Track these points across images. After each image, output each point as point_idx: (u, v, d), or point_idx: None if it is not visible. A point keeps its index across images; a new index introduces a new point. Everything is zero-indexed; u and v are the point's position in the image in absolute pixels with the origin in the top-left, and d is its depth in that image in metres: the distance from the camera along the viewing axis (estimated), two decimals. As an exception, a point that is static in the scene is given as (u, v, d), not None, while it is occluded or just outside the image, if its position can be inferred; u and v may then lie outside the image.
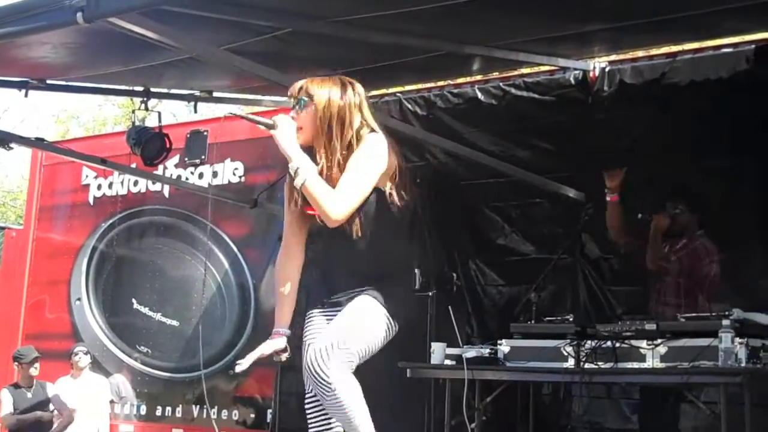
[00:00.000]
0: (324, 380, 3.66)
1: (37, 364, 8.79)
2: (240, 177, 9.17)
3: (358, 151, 3.86)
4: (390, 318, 3.89)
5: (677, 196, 6.27)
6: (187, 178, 9.43)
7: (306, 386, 3.87)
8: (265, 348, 3.95)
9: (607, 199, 6.49)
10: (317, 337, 3.84)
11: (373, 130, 3.94)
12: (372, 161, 3.86)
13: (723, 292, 6.14)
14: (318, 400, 3.83)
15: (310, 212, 3.94)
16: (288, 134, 3.85)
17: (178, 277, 9.44)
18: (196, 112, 8.51)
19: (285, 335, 3.96)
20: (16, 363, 9.11)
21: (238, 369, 3.92)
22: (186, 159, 9.35)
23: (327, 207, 3.77)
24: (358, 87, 3.99)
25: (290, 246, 4.07)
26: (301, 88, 3.93)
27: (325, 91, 3.91)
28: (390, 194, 3.93)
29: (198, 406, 8.97)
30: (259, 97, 8.15)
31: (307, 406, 3.94)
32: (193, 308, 9.26)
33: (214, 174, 9.31)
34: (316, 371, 3.67)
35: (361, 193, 3.82)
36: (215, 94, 7.88)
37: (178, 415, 9.12)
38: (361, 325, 3.82)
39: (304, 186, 3.77)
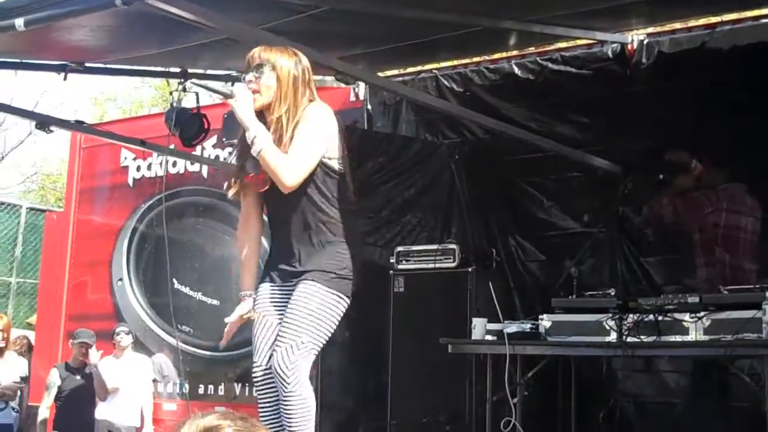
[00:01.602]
0: (286, 381, 3.93)
1: (85, 350, 8.82)
2: (277, 156, 9.17)
3: (305, 122, 4.02)
4: (340, 295, 4.07)
5: (698, 151, 6.24)
6: (225, 158, 9.45)
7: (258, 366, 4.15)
8: (233, 317, 4.24)
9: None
10: (281, 335, 4.00)
11: (313, 100, 4.13)
12: (319, 131, 4.05)
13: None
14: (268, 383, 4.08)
15: (249, 181, 4.12)
16: (245, 104, 4.00)
17: (217, 257, 9.50)
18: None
19: (249, 298, 4.21)
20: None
21: (221, 346, 4.36)
22: (224, 139, 9.34)
23: (281, 174, 3.95)
24: (304, 57, 4.18)
25: (248, 216, 4.31)
26: (260, 56, 4.07)
27: (286, 61, 4.09)
28: (331, 161, 4.12)
29: (240, 384, 9.04)
30: (296, 76, 8.14)
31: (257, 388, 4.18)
32: (233, 287, 9.27)
33: (252, 154, 9.32)
34: (279, 373, 3.95)
35: (311, 161, 4.01)
36: (252, 74, 7.87)
37: (221, 393, 9.20)
38: (314, 319, 4.01)
39: (261, 154, 3.93)
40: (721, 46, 6.63)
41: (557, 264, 7.31)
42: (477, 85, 7.76)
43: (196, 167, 9.76)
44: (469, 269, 6.90)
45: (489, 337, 6.11)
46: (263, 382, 4.16)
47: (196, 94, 8.08)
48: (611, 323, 5.61)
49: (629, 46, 7.13)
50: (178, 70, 7.59)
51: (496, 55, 7.78)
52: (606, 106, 7.16)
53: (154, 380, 9.43)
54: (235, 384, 9.09)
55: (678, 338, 5.41)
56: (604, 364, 6.67)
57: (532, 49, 7.63)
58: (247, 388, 8.97)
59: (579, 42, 7.36)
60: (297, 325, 3.98)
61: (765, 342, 5.02)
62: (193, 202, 9.81)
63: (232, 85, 4.19)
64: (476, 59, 7.89)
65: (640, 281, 7.02)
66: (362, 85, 8.12)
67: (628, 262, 7.11)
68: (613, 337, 5.61)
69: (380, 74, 7.44)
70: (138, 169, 10.21)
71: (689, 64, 6.78)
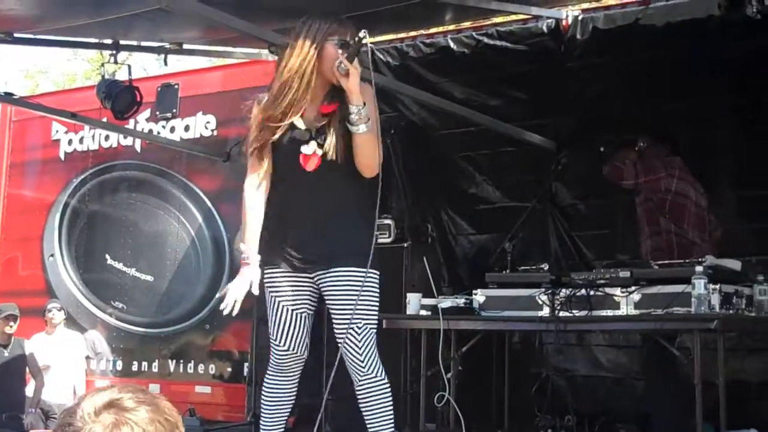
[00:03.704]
0: (361, 366, 3.95)
1: (12, 323, 8.70)
2: (212, 130, 9.10)
3: (375, 107, 3.96)
4: (374, 272, 4.02)
5: (642, 130, 6.26)
6: (158, 132, 9.35)
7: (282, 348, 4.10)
8: (244, 285, 3.98)
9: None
10: (341, 323, 3.96)
11: None
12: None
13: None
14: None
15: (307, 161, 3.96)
16: (358, 75, 3.86)
17: (151, 232, 9.39)
18: (166, 64, 8.42)
19: (255, 263, 4.01)
20: None
21: (227, 310, 4.00)
22: (157, 113, 9.26)
23: (376, 159, 3.90)
24: None
25: (260, 179, 4.08)
26: (360, 39, 3.89)
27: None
28: None
29: (174, 361, 8.97)
30: (230, 49, 8.07)
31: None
32: (167, 263, 9.22)
33: (186, 128, 9.23)
34: (353, 359, 3.95)
35: None
36: (185, 47, 7.78)
37: (155, 370, 9.12)
38: (374, 303, 4.03)
39: (366, 133, 3.84)
40: (655, 22, 6.66)
41: (489, 238, 7.35)
42: (412, 58, 7.73)
43: (129, 141, 9.63)
44: (405, 245, 6.90)
45: (423, 312, 6.11)
46: (286, 363, 4.17)
47: (129, 66, 7.98)
48: (544, 298, 5.65)
49: (564, 22, 7.14)
50: (110, 41, 7.46)
51: (433, 30, 7.75)
52: (540, 82, 7.17)
53: (87, 357, 9.33)
54: (170, 361, 9.01)
55: (609, 312, 5.46)
56: (536, 338, 6.72)
57: (468, 24, 7.62)
58: (181, 365, 8.91)
59: (514, 17, 7.35)
60: (366, 315, 3.97)
61: (694, 316, 5.08)
62: (127, 176, 9.68)
63: (342, 46, 3.89)
64: (412, 33, 7.86)
65: (572, 256, 7.07)
66: (297, 58, 8.05)
67: (560, 237, 7.16)
68: (545, 311, 5.64)
69: (316, 48, 7.36)
70: (70, 142, 10.04)
71: (623, 40, 6.80)
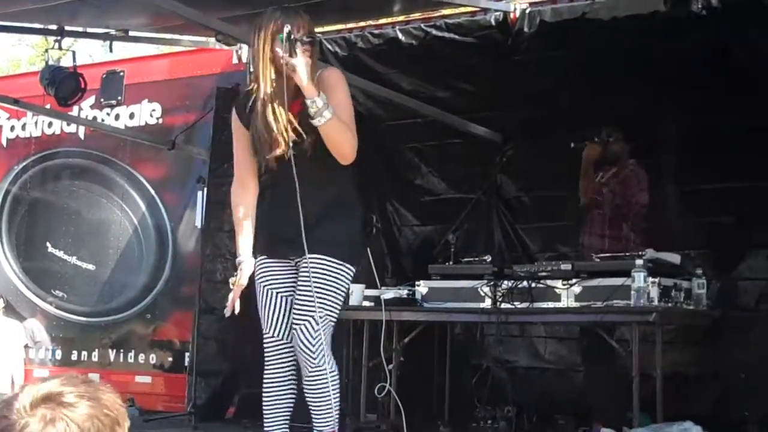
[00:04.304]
0: (311, 357, 3.84)
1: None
2: (157, 118, 9.02)
3: (343, 91, 3.95)
4: (347, 266, 3.97)
5: (611, 124, 6.27)
6: (103, 120, 9.25)
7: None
8: (243, 281, 3.99)
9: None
10: (298, 312, 3.90)
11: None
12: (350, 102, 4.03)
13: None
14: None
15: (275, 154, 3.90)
16: (307, 69, 3.78)
17: (94, 220, 9.30)
18: (111, 51, 8.34)
19: (251, 261, 4.01)
20: None
21: (228, 313, 4.01)
22: (102, 100, 9.16)
23: (350, 145, 3.88)
24: None
25: (244, 177, 4.09)
26: (311, 28, 3.89)
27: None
28: None
29: (114, 351, 8.88)
30: (177, 36, 8.00)
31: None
32: (110, 251, 9.13)
33: (131, 115, 9.15)
34: (303, 348, 3.84)
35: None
36: (131, 33, 7.70)
37: (95, 359, 9.02)
38: (336, 296, 3.93)
39: (329, 123, 3.78)
40: (601, 16, 6.68)
41: (433, 230, 7.37)
42: (360, 49, 7.68)
43: (72, 128, 9.52)
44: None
45: (366, 303, 6.12)
46: (274, 353, 4.00)
47: (73, 52, 7.90)
48: (486, 289, 5.67)
49: (512, 15, 7.14)
50: (55, 27, 7.37)
51: (381, 21, 7.73)
52: (488, 74, 7.19)
53: (26, 346, 9.21)
54: (110, 350, 8.92)
55: (550, 305, 5.50)
56: (478, 329, 6.73)
57: (416, 16, 7.59)
58: (121, 355, 8.82)
59: (463, 9, 7.35)
60: (321, 304, 3.88)
61: (633, 309, 5.14)
62: (69, 164, 9.57)
63: (287, 40, 3.76)
64: (361, 24, 7.83)
65: (516, 248, 7.10)
66: (245, 47, 7.99)
67: (504, 229, 7.19)
68: (487, 303, 5.67)
69: (262, 36, 7.31)
70: (12, 129, 9.91)
71: (569, 34, 6.82)
